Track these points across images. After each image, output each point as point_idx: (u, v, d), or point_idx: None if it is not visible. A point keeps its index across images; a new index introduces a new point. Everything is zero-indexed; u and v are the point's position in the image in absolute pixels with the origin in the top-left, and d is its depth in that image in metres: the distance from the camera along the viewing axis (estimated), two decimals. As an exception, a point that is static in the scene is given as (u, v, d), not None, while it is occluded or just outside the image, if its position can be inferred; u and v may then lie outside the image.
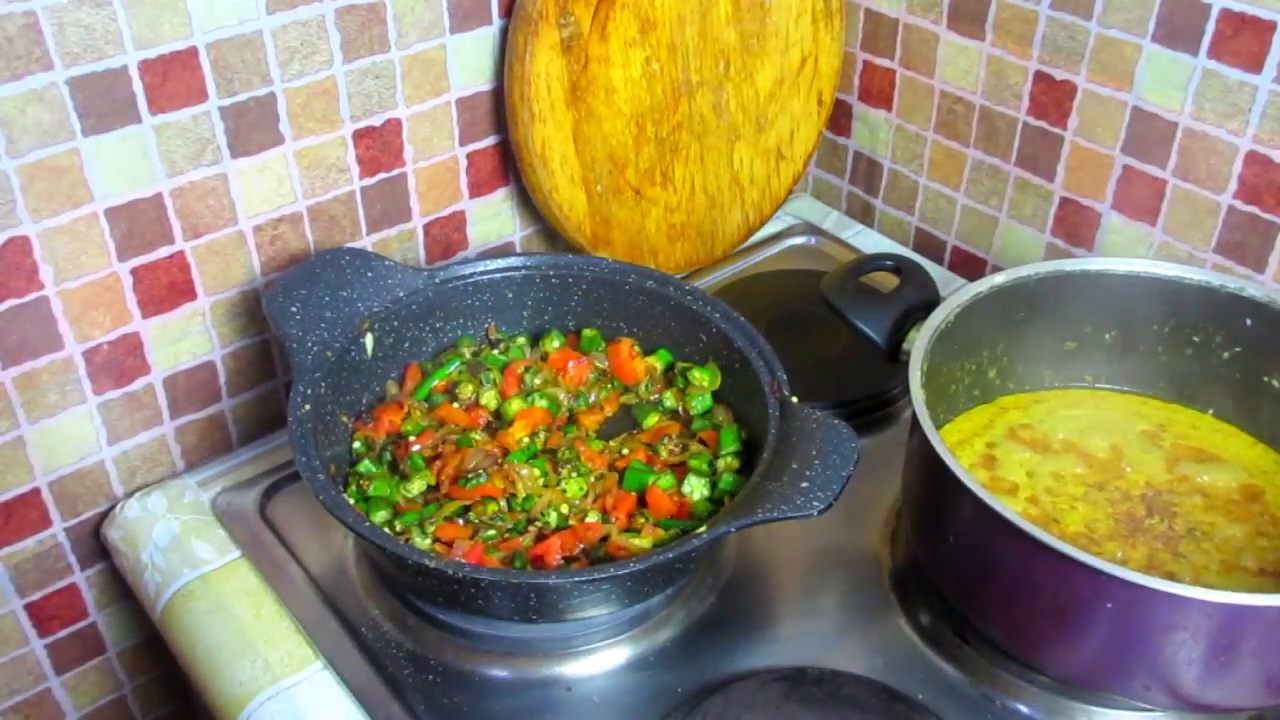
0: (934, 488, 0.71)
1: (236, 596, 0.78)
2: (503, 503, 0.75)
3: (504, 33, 0.90)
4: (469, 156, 0.95)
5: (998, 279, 0.80)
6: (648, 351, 0.87)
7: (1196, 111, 0.89)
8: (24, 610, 0.87)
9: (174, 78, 0.76)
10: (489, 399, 0.83)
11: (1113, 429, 0.82)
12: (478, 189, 0.97)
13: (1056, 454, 0.80)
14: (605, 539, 0.73)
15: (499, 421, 0.83)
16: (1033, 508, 0.76)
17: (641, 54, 0.93)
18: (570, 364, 0.86)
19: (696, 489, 0.77)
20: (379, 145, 0.89)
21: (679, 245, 1.05)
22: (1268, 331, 0.78)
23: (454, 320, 0.87)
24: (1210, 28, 0.85)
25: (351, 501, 0.73)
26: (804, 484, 0.68)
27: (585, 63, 0.90)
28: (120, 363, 0.83)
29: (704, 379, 0.84)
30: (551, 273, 0.88)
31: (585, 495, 0.76)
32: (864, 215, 1.20)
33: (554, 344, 0.87)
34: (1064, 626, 0.64)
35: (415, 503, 0.76)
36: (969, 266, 1.12)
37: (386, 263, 0.84)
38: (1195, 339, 0.82)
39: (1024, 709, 0.71)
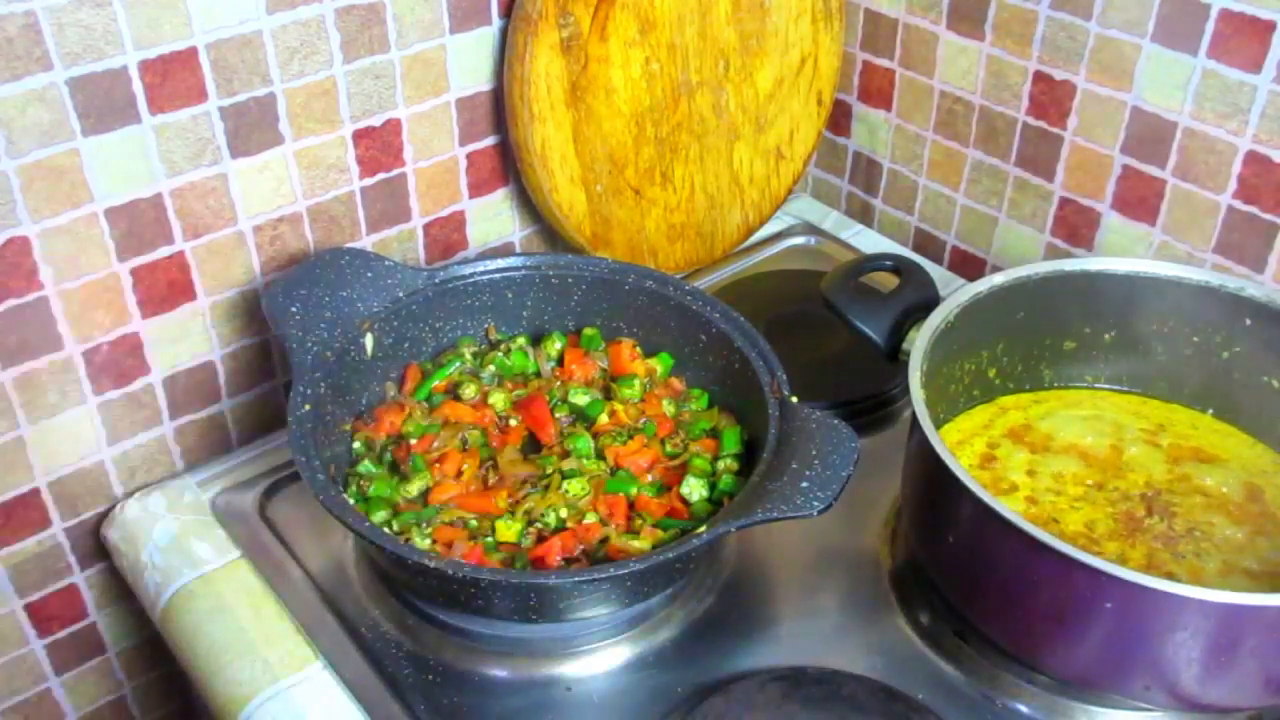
0: (934, 488, 0.71)
1: (236, 596, 0.78)
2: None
3: (504, 33, 0.90)
4: (469, 156, 0.95)
5: (998, 279, 0.80)
6: (649, 353, 0.87)
7: (1196, 111, 0.88)
8: (24, 610, 0.87)
9: (174, 78, 0.76)
10: (498, 400, 0.83)
11: (1113, 429, 0.82)
12: (477, 189, 0.97)
13: (1056, 454, 0.80)
14: (605, 540, 0.73)
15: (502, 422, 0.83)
16: (1033, 508, 0.76)
17: (641, 54, 0.93)
18: (574, 366, 0.85)
19: (696, 489, 0.77)
20: (379, 145, 0.89)
21: (679, 245, 1.05)
22: (1268, 331, 0.78)
23: (454, 320, 0.87)
24: (1210, 28, 0.85)
25: (351, 502, 0.73)
26: (804, 484, 0.68)
27: (585, 63, 0.90)
28: (120, 363, 0.83)
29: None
30: (551, 273, 0.88)
31: (585, 496, 0.76)
32: (864, 215, 1.20)
33: (556, 345, 0.87)
34: (1064, 626, 0.64)
35: (415, 503, 0.76)
36: (969, 266, 1.12)
37: (386, 263, 0.84)
38: (1195, 339, 0.82)
39: (1024, 709, 0.71)
